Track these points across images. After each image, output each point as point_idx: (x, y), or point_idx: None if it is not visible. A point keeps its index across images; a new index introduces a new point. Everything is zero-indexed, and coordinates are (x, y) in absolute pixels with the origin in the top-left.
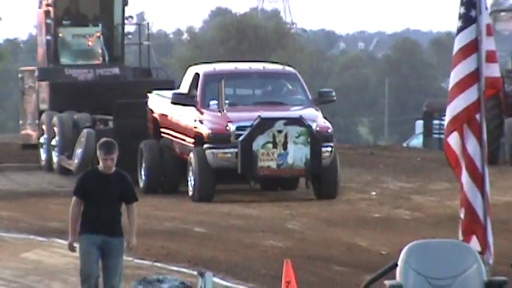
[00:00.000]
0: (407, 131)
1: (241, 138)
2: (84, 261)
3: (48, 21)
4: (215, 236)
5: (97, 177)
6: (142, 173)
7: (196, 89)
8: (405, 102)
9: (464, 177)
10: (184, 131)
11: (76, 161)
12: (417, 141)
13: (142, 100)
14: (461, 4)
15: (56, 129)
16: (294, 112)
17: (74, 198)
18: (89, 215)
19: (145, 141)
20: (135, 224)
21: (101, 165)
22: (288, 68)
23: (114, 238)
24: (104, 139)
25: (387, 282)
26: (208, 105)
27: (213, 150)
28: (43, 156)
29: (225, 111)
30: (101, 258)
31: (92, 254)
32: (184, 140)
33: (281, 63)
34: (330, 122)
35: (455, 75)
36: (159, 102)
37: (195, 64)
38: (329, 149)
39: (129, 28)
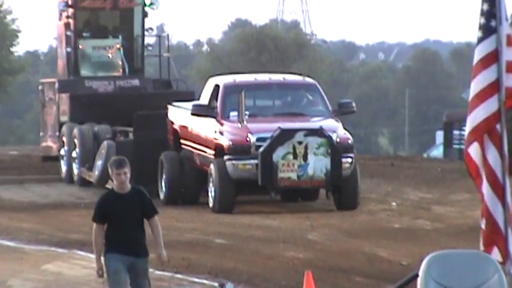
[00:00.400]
0: (428, 141)
1: (261, 149)
2: (113, 281)
3: (68, 33)
4: (236, 247)
5: (114, 198)
6: (163, 184)
7: (217, 101)
8: (425, 113)
9: (485, 187)
10: (204, 142)
11: (96, 172)
12: (437, 151)
13: (162, 112)
14: (482, 14)
15: (76, 141)
16: (314, 123)
17: (95, 224)
18: (113, 236)
19: (166, 152)
20: (160, 237)
21: (115, 185)
22: (307, 79)
23: (140, 259)
24: (114, 157)
25: None
26: (229, 117)
27: (234, 162)
28: (63, 168)
29: (245, 122)
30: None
31: (121, 272)
32: (204, 151)
33: (301, 74)
34: (350, 133)
35: (476, 85)
36: (179, 114)
37: (215, 75)
38: (349, 159)
39: (149, 40)
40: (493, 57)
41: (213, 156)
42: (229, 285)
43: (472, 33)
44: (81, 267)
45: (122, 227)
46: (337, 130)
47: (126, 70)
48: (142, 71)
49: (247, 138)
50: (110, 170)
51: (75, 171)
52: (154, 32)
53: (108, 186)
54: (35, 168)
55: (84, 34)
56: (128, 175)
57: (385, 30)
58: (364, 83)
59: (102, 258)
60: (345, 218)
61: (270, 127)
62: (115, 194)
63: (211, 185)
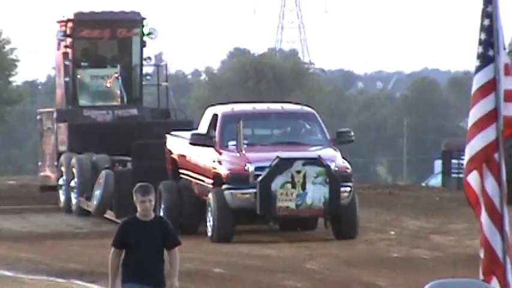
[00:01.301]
0: (426, 170)
1: (260, 178)
2: None
3: (67, 62)
4: (234, 277)
5: (137, 225)
6: (161, 213)
7: (215, 130)
8: (424, 142)
9: (484, 217)
10: (203, 171)
11: (95, 202)
12: (436, 180)
13: (160, 141)
14: (479, 44)
15: (74, 170)
16: (313, 152)
17: (113, 249)
18: (132, 264)
19: (164, 182)
20: (177, 268)
21: (139, 212)
22: (306, 108)
23: None
24: (140, 183)
25: None
26: (227, 146)
27: (232, 191)
28: (62, 197)
29: (243, 151)
30: None
31: None
32: (203, 180)
33: (299, 103)
34: (349, 162)
35: (474, 114)
36: (177, 143)
37: (213, 105)
38: (348, 188)
39: (148, 69)
40: (491, 86)
41: (211, 186)
42: None
43: (470, 62)
44: None
45: (141, 254)
46: (336, 159)
47: (125, 99)
48: (141, 100)
49: (246, 168)
50: (134, 197)
51: (74, 201)
52: (153, 62)
53: (107, 215)
54: (33, 198)
55: (82, 63)
56: (153, 203)
57: (383, 59)
58: (363, 112)
59: None
60: (344, 247)
61: (268, 156)
62: (138, 220)
63: (209, 214)
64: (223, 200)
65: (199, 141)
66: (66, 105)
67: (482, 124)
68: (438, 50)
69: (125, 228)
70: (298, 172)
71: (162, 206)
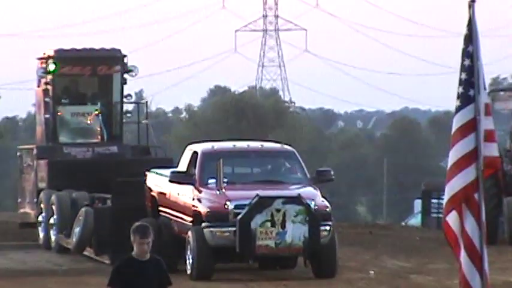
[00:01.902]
0: (406, 210)
1: (239, 216)
2: None
3: (47, 99)
4: None
5: (133, 264)
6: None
7: (195, 168)
8: (404, 181)
9: (463, 256)
10: (182, 209)
11: (74, 239)
12: (416, 220)
13: (140, 178)
14: (460, 83)
15: (54, 207)
16: (293, 191)
17: None
18: None
19: (144, 219)
20: None
21: (135, 251)
22: (286, 147)
23: None
24: (138, 223)
25: None
26: (207, 184)
27: (212, 229)
28: (41, 234)
29: (223, 189)
30: None
31: None
32: (182, 218)
33: (279, 142)
34: (328, 201)
35: (454, 154)
36: (157, 181)
37: (193, 142)
38: (327, 227)
39: (128, 106)
40: (471, 126)
41: (191, 224)
42: None
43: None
44: None
45: None
46: (316, 198)
47: (105, 137)
48: (121, 137)
49: (226, 206)
50: (132, 237)
51: (53, 237)
52: (133, 99)
53: (86, 253)
54: (12, 235)
55: (62, 100)
56: (150, 244)
57: (364, 98)
58: (343, 151)
59: None
60: (323, 286)
61: (248, 194)
62: (134, 260)
63: (189, 252)
64: (203, 238)
65: (179, 179)
66: (47, 142)
67: (462, 164)
68: (418, 90)
69: (121, 267)
70: (278, 211)
71: None
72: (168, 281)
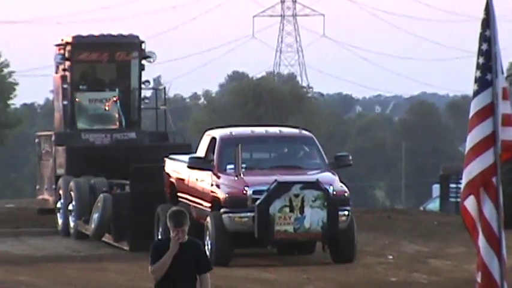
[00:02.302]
0: (424, 194)
1: (258, 202)
2: None
3: (65, 86)
4: None
5: (169, 246)
6: (159, 237)
7: (213, 153)
8: (422, 166)
9: (481, 241)
10: (201, 195)
11: (93, 226)
12: (434, 205)
13: (159, 164)
14: (477, 68)
15: (72, 194)
16: (311, 176)
17: (151, 268)
18: (164, 287)
19: (162, 205)
20: None
21: (172, 236)
22: (304, 132)
23: None
24: (174, 209)
25: None
26: (225, 170)
27: (230, 215)
28: (60, 221)
29: (241, 175)
30: None
31: None
32: (201, 204)
33: (298, 127)
34: (347, 186)
35: (471, 138)
36: (175, 167)
37: (211, 128)
38: (346, 212)
39: (146, 92)
40: (488, 111)
41: (209, 209)
42: None
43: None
44: None
45: (173, 278)
46: (334, 183)
47: (123, 123)
48: (139, 123)
49: (244, 191)
50: (168, 222)
51: (72, 224)
52: (151, 85)
53: (105, 239)
54: (31, 221)
55: (80, 87)
56: (186, 230)
57: (382, 83)
58: (361, 136)
59: None
60: (342, 271)
61: (266, 180)
62: (170, 242)
63: (207, 237)
64: (221, 224)
65: (197, 164)
66: (65, 129)
67: (479, 148)
68: (437, 74)
69: (157, 249)
70: (297, 196)
71: (160, 229)
72: (207, 265)
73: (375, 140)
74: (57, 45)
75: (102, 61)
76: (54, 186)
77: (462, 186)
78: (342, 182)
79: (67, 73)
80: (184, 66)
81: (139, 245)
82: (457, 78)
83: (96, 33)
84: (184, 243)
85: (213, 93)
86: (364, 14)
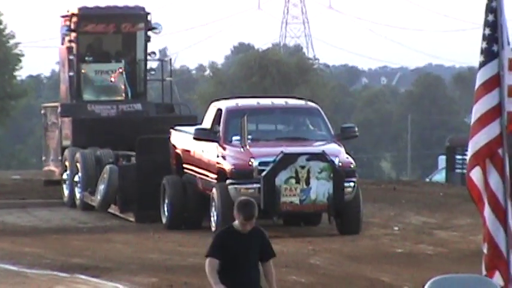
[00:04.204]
0: (430, 166)
1: (263, 173)
2: None
3: (71, 57)
4: None
5: (234, 235)
6: (165, 208)
7: (219, 125)
8: (428, 138)
9: (487, 212)
10: (207, 166)
11: (99, 197)
12: (440, 176)
13: (165, 136)
14: (483, 39)
15: (78, 165)
16: (317, 147)
17: (208, 259)
18: (229, 277)
19: (168, 177)
20: (274, 282)
21: (237, 224)
22: (310, 104)
23: None
24: (243, 200)
25: None
26: (231, 141)
27: (236, 186)
28: (66, 192)
29: (247, 146)
30: None
31: None
32: (207, 175)
33: (303, 99)
34: (353, 158)
35: (477, 110)
36: (181, 138)
37: (217, 100)
38: (352, 184)
39: (152, 64)
40: (495, 82)
41: (215, 181)
42: None
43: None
44: None
45: (238, 266)
46: (340, 154)
47: (129, 94)
48: (145, 95)
49: (250, 163)
50: (235, 211)
51: (78, 195)
52: (157, 56)
53: (111, 210)
54: (37, 193)
55: (86, 58)
56: (254, 221)
57: (388, 55)
58: (367, 108)
59: None
60: (347, 243)
61: (272, 151)
62: (235, 231)
63: (213, 209)
64: (227, 195)
65: (203, 136)
66: (71, 100)
67: (485, 120)
68: (442, 46)
69: (222, 238)
70: (302, 167)
71: (166, 201)
72: (271, 253)
73: (381, 111)
74: (63, 16)
75: (108, 32)
76: (60, 158)
77: (468, 157)
78: (347, 153)
79: (73, 44)
80: (190, 37)
81: (145, 216)
82: (463, 50)
83: (102, 4)
84: (248, 233)
85: (218, 64)
86: None
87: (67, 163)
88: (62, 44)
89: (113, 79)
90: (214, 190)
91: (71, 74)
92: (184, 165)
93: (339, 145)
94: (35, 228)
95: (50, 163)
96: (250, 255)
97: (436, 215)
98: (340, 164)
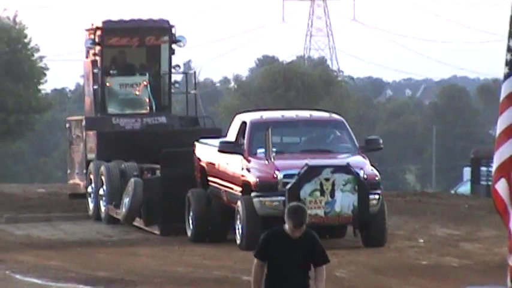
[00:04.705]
0: (455, 178)
1: (288, 186)
2: None
3: (95, 70)
4: None
5: (283, 237)
6: (190, 221)
7: (244, 137)
8: (453, 149)
9: None
10: (231, 179)
11: (124, 210)
12: (465, 188)
13: (189, 149)
14: (508, 50)
15: (103, 178)
16: (341, 160)
17: (256, 261)
18: (274, 280)
19: (193, 189)
20: (323, 286)
21: (287, 229)
22: (334, 116)
23: None
24: (294, 206)
25: None
26: (256, 154)
27: (261, 199)
28: (91, 205)
29: (272, 159)
30: None
31: None
32: (231, 188)
33: (328, 111)
34: (377, 170)
35: (502, 121)
36: (206, 151)
37: (242, 112)
38: (377, 196)
39: (176, 77)
40: None
41: (240, 193)
42: None
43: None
44: None
45: (285, 270)
46: (364, 167)
47: (153, 107)
48: (169, 108)
49: (275, 175)
50: (285, 216)
51: (103, 208)
52: (181, 69)
53: (136, 223)
54: (62, 206)
55: (111, 71)
56: (304, 227)
57: (412, 67)
58: (391, 120)
59: None
60: (373, 255)
61: (297, 164)
62: (284, 233)
63: (238, 222)
64: (252, 208)
65: (228, 148)
66: (95, 113)
67: (510, 131)
68: (467, 58)
69: (268, 239)
70: (327, 180)
71: (191, 214)
72: (324, 258)
73: (406, 123)
74: (88, 30)
75: (132, 46)
76: (85, 171)
77: (493, 169)
78: (372, 165)
79: (97, 58)
80: (214, 50)
81: (170, 229)
82: (487, 61)
83: (127, 18)
84: (299, 236)
85: (243, 77)
86: None
87: (92, 176)
88: (87, 57)
89: (137, 92)
90: (239, 203)
91: (96, 87)
92: (209, 178)
93: (363, 157)
94: (60, 242)
95: (74, 176)
96: (299, 260)
97: (461, 227)
98: (365, 176)
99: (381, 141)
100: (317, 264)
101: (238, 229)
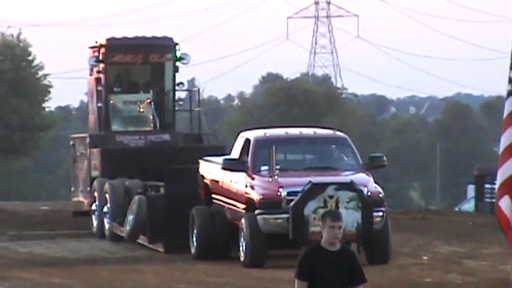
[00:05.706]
0: (459, 195)
1: (292, 203)
2: None
3: (99, 88)
4: None
5: (321, 254)
6: (194, 238)
7: (247, 155)
8: (457, 166)
9: None
10: (235, 196)
11: (128, 227)
12: (469, 205)
13: (193, 166)
14: (511, 68)
15: (107, 196)
16: (345, 177)
17: (297, 281)
18: None
19: (197, 207)
20: None
21: (325, 239)
22: (338, 133)
23: None
24: (330, 209)
25: None
26: (260, 171)
27: (265, 216)
28: (95, 223)
29: (276, 176)
30: None
31: None
32: (235, 205)
33: (332, 128)
34: (381, 187)
35: (506, 139)
36: (210, 168)
37: (245, 130)
38: (380, 213)
39: (180, 94)
40: None
41: (244, 211)
42: None
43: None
44: None
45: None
46: (368, 184)
47: (157, 125)
48: (173, 125)
49: (278, 193)
50: (321, 222)
51: (107, 226)
52: (185, 87)
53: (140, 241)
54: (66, 224)
55: (115, 89)
56: (342, 230)
57: (416, 84)
58: (395, 137)
59: None
60: (376, 272)
61: (300, 181)
62: (322, 249)
63: (242, 239)
64: (256, 225)
65: (231, 166)
66: (99, 131)
67: None
68: (471, 75)
69: (308, 257)
70: (331, 197)
71: (195, 231)
72: (362, 277)
73: (410, 140)
74: (91, 47)
75: (136, 63)
76: (89, 189)
77: (497, 186)
78: (376, 182)
79: (101, 75)
80: (218, 68)
81: (174, 246)
82: (491, 79)
83: (130, 35)
84: (337, 252)
85: (247, 94)
86: (398, 15)
87: (96, 194)
88: (90, 74)
89: (141, 109)
90: (242, 220)
91: (100, 104)
92: (213, 196)
93: (367, 174)
94: (64, 259)
95: (78, 194)
96: (339, 277)
97: (465, 244)
98: (369, 193)
99: (385, 158)
100: (355, 283)
101: (242, 246)
